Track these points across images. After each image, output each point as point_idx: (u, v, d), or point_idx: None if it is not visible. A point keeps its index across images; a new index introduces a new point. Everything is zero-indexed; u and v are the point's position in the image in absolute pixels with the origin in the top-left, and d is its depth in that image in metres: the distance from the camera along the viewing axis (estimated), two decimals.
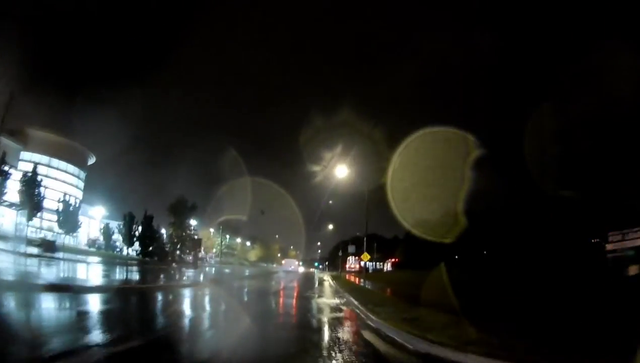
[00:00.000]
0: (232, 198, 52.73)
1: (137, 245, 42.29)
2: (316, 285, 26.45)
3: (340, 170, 22.00)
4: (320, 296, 16.00)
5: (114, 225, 45.58)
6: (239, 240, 75.77)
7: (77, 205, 40.40)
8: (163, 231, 48.98)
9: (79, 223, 41.37)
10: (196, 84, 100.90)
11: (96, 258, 31.37)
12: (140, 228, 41.08)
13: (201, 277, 23.01)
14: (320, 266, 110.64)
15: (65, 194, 41.21)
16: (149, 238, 40.95)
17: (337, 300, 13.88)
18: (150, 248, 43.20)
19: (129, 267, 25.96)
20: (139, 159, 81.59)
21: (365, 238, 27.75)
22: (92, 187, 53.13)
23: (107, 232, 44.86)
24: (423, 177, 24.32)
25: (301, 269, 65.90)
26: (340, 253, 57.69)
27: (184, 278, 21.06)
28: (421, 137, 22.11)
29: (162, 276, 20.33)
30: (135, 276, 18.45)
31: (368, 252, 28.01)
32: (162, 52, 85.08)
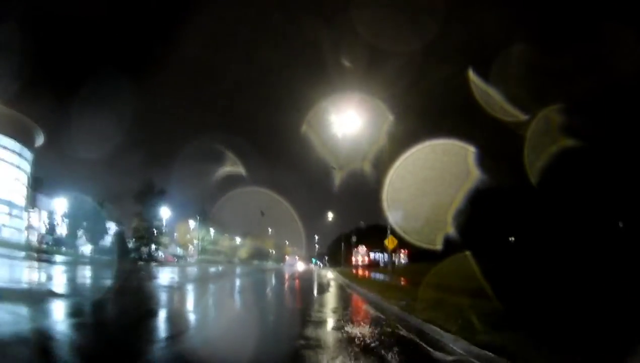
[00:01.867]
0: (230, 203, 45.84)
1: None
2: (335, 302, 10.97)
3: (350, 120, 18.39)
4: None
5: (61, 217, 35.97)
6: (226, 235, 66.27)
7: None
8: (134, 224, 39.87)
9: None
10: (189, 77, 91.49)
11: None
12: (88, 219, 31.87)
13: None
14: (319, 262, 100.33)
15: None
16: (99, 231, 31.64)
17: None
18: (108, 244, 34.10)
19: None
20: (129, 160, 73.50)
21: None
22: (74, 181, 43.58)
23: (51, 226, 35.38)
24: (420, 187, 25.02)
25: (301, 266, 58.79)
26: (352, 241, 48.05)
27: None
28: (420, 150, 22.93)
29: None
30: None
31: (376, 244, 19.56)
32: (154, 47, 76.52)
